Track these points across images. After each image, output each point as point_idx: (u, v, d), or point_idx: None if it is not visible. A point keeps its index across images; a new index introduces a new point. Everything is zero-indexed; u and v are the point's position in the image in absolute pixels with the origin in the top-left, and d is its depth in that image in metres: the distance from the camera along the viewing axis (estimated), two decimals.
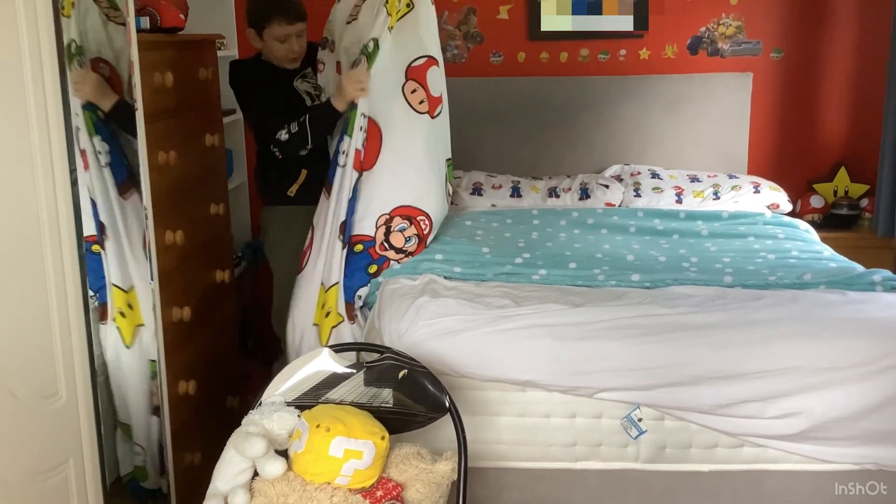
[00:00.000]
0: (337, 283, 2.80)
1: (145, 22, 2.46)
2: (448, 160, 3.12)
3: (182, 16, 2.69)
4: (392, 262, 2.89)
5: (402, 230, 2.88)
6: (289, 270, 3.02)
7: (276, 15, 2.98)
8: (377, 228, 2.86)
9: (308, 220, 2.96)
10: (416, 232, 2.92)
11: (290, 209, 3.17)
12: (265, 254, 3.32)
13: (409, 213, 2.90)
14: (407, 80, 2.87)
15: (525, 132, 4.15)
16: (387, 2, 2.73)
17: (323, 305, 2.82)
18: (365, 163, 2.84)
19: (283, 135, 2.92)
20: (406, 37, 2.84)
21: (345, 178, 2.80)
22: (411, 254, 2.92)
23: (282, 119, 2.94)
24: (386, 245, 2.87)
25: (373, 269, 2.87)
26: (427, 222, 2.95)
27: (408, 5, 2.82)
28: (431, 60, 2.91)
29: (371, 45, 2.77)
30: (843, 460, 2.35)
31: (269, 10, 3.00)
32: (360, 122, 2.78)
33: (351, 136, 2.78)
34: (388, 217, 2.87)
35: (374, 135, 2.85)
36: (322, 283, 2.83)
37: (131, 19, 2.22)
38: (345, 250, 2.81)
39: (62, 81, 1.87)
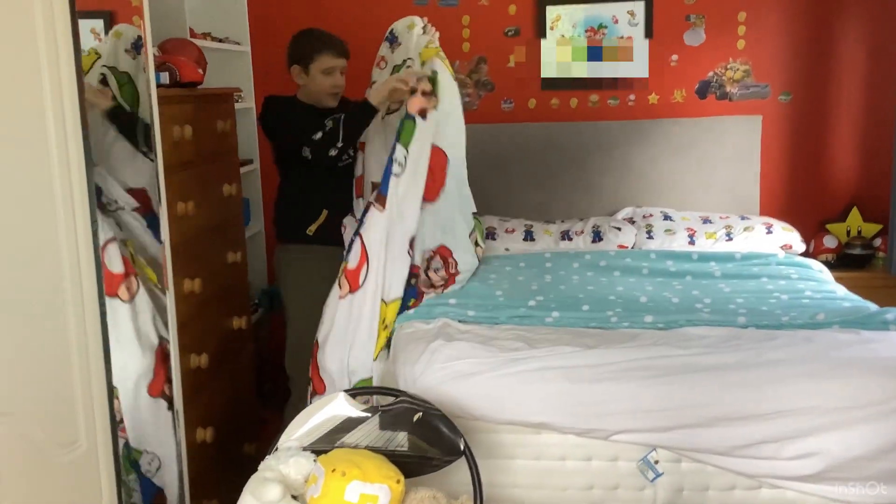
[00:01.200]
0: (398, 297, 2.83)
1: (165, 77, 2.54)
2: (475, 214, 3.25)
3: (200, 70, 2.78)
4: (425, 295, 2.96)
5: (436, 270, 2.98)
6: (305, 309, 3.04)
7: (325, 48, 3.13)
8: (423, 262, 2.96)
9: (326, 260, 2.99)
10: (444, 274, 3.03)
11: (308, 248, 3.19)
12: (286, 290, 3.29)
13: (445, 255, 3.02)
14: None
15: (537, 177, 4.20)
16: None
17: (384, 320, 2.81)
18: (428, 193, 2.90)
19: (318, 135, 2.97)
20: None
21: (404, 191, 2.81)
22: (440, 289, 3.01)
23: (313, 129, 3.00)
24: (427, 279, 2.98)
25: (411, 301, 2.92)
26: (454, 267, 3.07)
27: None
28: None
29: (431, 72, 2.92)
30: (862, 501, 2.32)
31: (319, 44, 3.14)
32: (420, 137, 2.81)
33: (406, 148, 2.79)
34: (431, 253, 2.98)
35: (439, 163, 2.94)
36: (382, 299, 2.81)
37: (151, 75, 2.29)
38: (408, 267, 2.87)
39: (85, 143, 1.92)
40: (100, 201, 2.26)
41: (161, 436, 2.46)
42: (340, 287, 2.82)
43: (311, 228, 3.18)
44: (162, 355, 2.44)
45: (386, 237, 2.80)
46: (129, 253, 2.39)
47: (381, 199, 2.81)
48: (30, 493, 1.76)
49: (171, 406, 2.47)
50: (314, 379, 2.84)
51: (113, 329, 2.10)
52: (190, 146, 2.58)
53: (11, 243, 1.73)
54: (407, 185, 2.81)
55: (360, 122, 2.99)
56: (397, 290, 2.83)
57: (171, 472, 2.49)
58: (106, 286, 2.10)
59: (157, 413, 2.44)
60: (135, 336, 2.38)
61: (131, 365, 2.37)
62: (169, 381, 2.47)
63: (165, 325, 2.44)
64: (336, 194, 3.20)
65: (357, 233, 2.83)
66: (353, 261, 2.81)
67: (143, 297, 2.41)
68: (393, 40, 3.31)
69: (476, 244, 3.27)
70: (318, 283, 2.98)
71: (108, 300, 2.11)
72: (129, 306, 2.35)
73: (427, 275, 2.99)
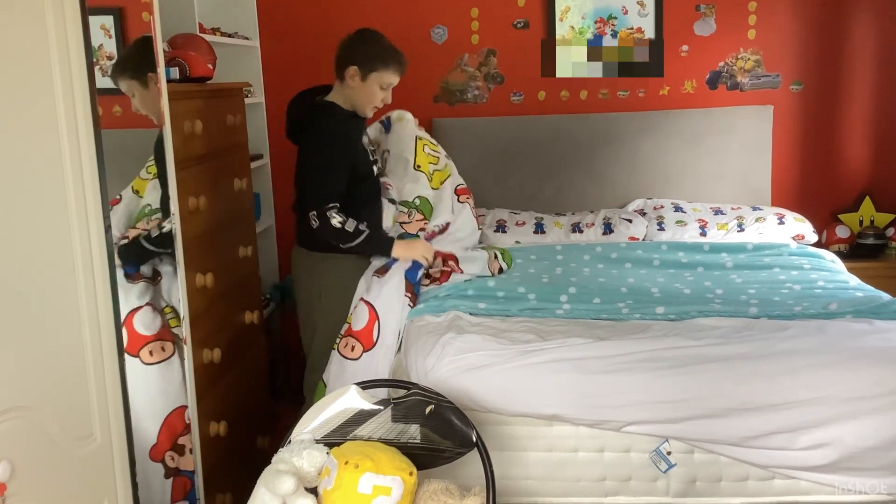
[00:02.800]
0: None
1: (175, 72, 2.55)
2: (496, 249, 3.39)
3: (210, 65, 2.78)
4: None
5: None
6: (339, 323, 2.95)
7: (393, 63, 2.98)
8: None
9: (361, 269, 3.00)
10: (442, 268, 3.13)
11: (345, 258, 3.00)
12: (310, 303, 3.08)
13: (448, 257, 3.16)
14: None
15: (547, 169, 4.20)
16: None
17: None
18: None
19: (337, 222, 2.83)
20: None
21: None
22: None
23: (340, 189, 2.88)
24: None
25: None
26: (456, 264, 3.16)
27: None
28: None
29: (417, 200, 3.29)
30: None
31: (389, 56, 2.98)
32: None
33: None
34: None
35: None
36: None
37: (161, 70, 2.30)
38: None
39: (96, 135, 1.93)
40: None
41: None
42: (352, 350, 2.86)
43: (384, 234, 3.13)
44: (174, 421, 2.44)
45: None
46: (165, 320, 2.43)
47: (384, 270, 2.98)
48: (46, 485, 1.78)
49: (167, 475, 2.44)
50: None
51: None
52: (200, 141, 2.59)
53: (26, 244, 1.74)
54: None
55: (372, 252, 3.03)
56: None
57: None
58: (128, 346, 2.18)
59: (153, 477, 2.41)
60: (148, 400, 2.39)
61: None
62: (173, 448, 2.45)
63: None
64: (378, 198, 3.19)
65: (360, 299, 2.91)
66: (359, 322, 2.87)
67: (174, 363, 2.43)
68: (388, 126, 3.51)
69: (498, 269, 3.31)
70: (353, 292, 2.98)
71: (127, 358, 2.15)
72: (149, 368, 2.38)
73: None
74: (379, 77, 2.97)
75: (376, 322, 2.84)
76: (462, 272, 3.15)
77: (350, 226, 2.84)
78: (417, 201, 3.32)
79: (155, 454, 2.42)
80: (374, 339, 2.83)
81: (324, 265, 3.01)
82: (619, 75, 4.20)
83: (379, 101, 3.02)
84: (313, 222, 2.84)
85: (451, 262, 3.15)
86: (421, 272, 3.02)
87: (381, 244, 2.98)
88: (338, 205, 2.84)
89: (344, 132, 2.95)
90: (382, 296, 2.88)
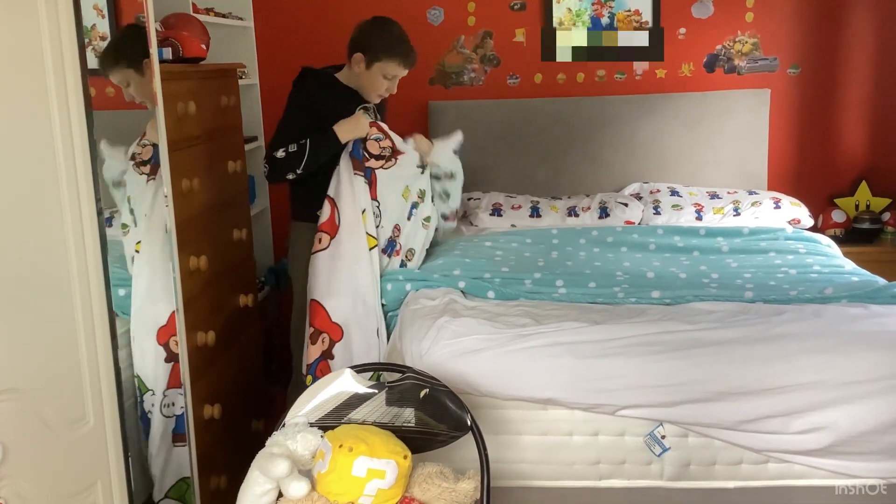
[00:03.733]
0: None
1: (167, 53, 2.52)
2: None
3: (203, 46, 2.76)
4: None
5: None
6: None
7: (399, 56, 2.98)
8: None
9: None
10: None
11: (315, 227, 3.07)
12: (288, 270, 3.28)
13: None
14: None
15: (543, 152, 4.18)
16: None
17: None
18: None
19: (281, 152, 2.88)
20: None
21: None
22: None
23: (298, 137, 2.91)
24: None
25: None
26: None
27: None
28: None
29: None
30: (869, 475, 2.32)
31: (396, 48, 2.98)
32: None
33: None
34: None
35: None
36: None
37: (154, 50, 2.27)
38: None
39: (88, 116, 1.91)
40: None
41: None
42: (320, 242, 2.91)
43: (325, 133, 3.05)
44: None
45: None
46: None
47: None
48: (38, 468, 1.77)
49: (167, 360, 2.46)
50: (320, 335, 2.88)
51: None
52: (194, 122, 2.57)
53: (18, 226, 1.72)
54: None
55: (324, 154, 2.94)
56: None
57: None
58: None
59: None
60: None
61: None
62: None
63: None
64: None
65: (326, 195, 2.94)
66: (323, 216, 2.92)
67: None
68: None
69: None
70: None
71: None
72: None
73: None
74: (382, 67, 2.98)
75: (335, 209, 2.91)
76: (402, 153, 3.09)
77: (292, 147, 2.87)
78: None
79: (161, 336, 2.44)
80: (336, 223, 2.91)
81: (297, 233, 3.10)
82: (619, 59, 4.17)
83: (383, 90, 3.05)
84: (264, 170, 2.91)
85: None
86: (360, 147, 2.97)
87: (326, 140, 2.93)
88: (282, 148, 2.87)
89: (321, 96, 2.98)
90: (336, 183, 2.94)
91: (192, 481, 2.51)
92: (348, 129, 2.93)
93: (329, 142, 2.92)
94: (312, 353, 2.87)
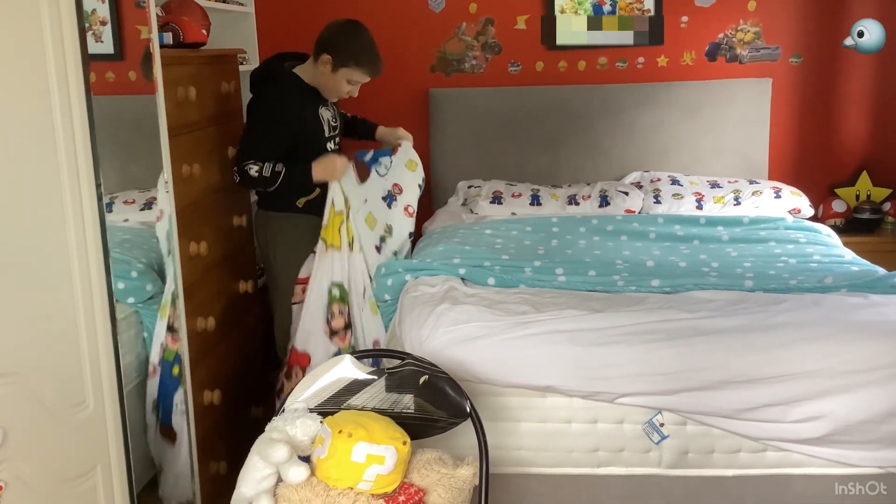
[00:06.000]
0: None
1: (168, 38, 2.51)
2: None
3: (204, 31, 2.75)
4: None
5: None
6: (294, 278, 3.04)
7: (367, 66, 2.99)
8: None
9: (313, 230, 2.97)
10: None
11: (297, 217, 3.07)
12: (268, 260, 3.18)
13: None
14: None
15: (544, 141, 4.17)
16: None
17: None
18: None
19: (254, 171, 2.82)
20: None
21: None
22: None
23: (269, 151, 2.87)
24: None
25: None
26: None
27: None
28: None
29: None
30: (867, 464, 2.33)
31: (363, 56, 2.97)
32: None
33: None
34: None
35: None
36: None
37: (154, 35, 2.27)
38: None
39: (88, 101, 1.91)
40: None
41: None
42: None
43: (301, 201, 3.07)
44: None
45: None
46: None
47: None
48: (38, 452, 1.77)
49: None
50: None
51: None
52: (194, 108, 2.56)
53: (18, 210, 1.72)
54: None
55: (295, 186, 2.97)
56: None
57: None
58: None
59: None
60: None
61: None
62: None
63: None
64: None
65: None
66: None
67: None
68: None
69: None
70: (308, 252, 2.99)
71: None
72: None
73: None
74: (349, 73, 3.00)
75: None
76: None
77: (267, 170, 2.84)
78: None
79: None
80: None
81: (276, 224, 3.09)
82: (621, 45, 4.16)
83: (344, 93, 3.08)
84: (235, 177, 2.88)
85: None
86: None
87: (300, 173, 2.93)
88: (259, 162, 2.84)
89: (288, 104, 2.97)
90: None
91: (192, 467, 2.52)
92: (322, 171, 2.93)
93: (302, 176, 2.92)
94: (287, 387, 2.92)
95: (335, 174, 2.95)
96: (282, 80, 3.02)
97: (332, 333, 2.95)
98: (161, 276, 2.50)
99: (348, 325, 2.96)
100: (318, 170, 2.92)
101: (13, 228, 1.70)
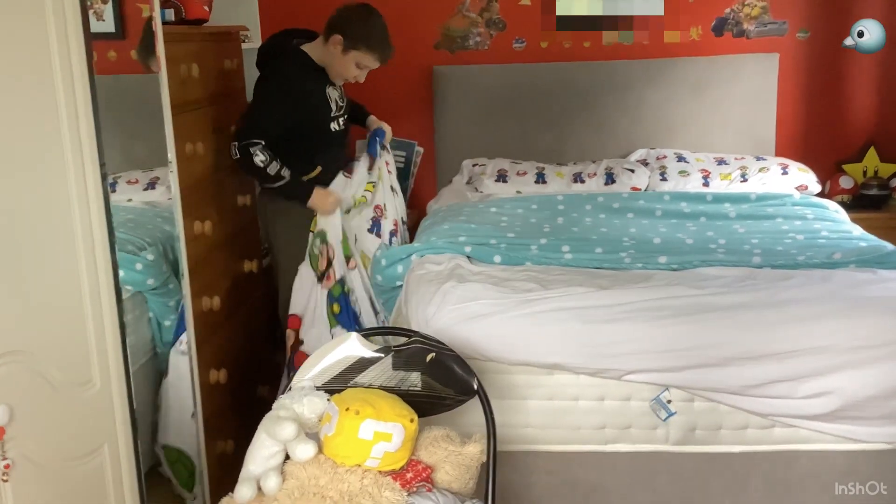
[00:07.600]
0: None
1: (170, 14, 2.49)
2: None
3: (206, 8, 2.73)
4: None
5: None
6: (296, 259, 2.99)
7: (379, 51, 2.96)
8: None
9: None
10: None
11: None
12: (270, 240, 3.19)
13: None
14: None
15: (549, 118, 4.14)
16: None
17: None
18: None
19: (259, 159, 2.75)
20: None
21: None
22: None
23: (273, 127, 2.84)
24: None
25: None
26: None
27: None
28: None
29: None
30: (875, 439, 2.32)
31: (375, 41, 2.94)
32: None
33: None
34: None
35: None
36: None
37: (157, 12, 2.25)
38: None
39: (91, 81, 1.89)
40: None
41: None
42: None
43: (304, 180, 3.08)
44: None
45: None
46: None
47: None
48: (45, 430, 1.78)
49: None
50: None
51: None
52: (197, 85, 2.54)
53: (23, 190, 1.71)
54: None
55: (289, 196, 2.92)
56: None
57: None
58: None
59: None
60: None
61: None
62: None
63: None
64: (331, 151, 3.12)
65: None
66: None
67: None
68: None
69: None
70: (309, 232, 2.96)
71: None
72: None
73: None
74: (358, 56, 2.96)
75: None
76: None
77: (272, 169, 2.80)
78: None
79: None
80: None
81: (277, 205, 3.03)
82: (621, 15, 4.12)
83: (352, 77, 3.04)
84: (233, 152, 2.78)
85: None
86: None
87: (299, 191, 2.90)
88: (263, 143, 2.77)
89: (297, 81, 2.93)
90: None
91: (198, 445, 2.52)
92: (316, 198, 2.89)
93: (301, 191, 2.90)
94: (288, 352, 2.94)
95: (326, 208, 2.91)
96: (290, 57, 2.98)
97: (319, 279, 2.95)
98: (166, 256, 2.50)
99: (330, 263, 2.95)
100: (314, 197, 2.90)
101: (18, 209, 1.70)
